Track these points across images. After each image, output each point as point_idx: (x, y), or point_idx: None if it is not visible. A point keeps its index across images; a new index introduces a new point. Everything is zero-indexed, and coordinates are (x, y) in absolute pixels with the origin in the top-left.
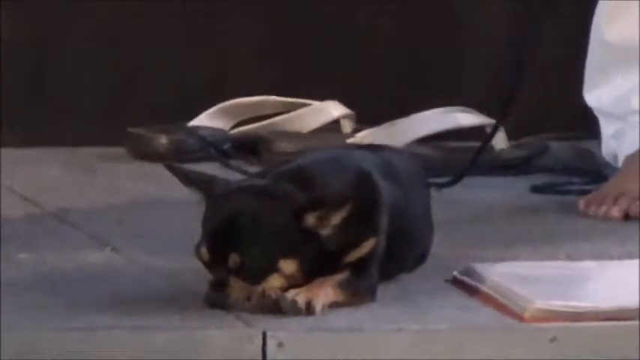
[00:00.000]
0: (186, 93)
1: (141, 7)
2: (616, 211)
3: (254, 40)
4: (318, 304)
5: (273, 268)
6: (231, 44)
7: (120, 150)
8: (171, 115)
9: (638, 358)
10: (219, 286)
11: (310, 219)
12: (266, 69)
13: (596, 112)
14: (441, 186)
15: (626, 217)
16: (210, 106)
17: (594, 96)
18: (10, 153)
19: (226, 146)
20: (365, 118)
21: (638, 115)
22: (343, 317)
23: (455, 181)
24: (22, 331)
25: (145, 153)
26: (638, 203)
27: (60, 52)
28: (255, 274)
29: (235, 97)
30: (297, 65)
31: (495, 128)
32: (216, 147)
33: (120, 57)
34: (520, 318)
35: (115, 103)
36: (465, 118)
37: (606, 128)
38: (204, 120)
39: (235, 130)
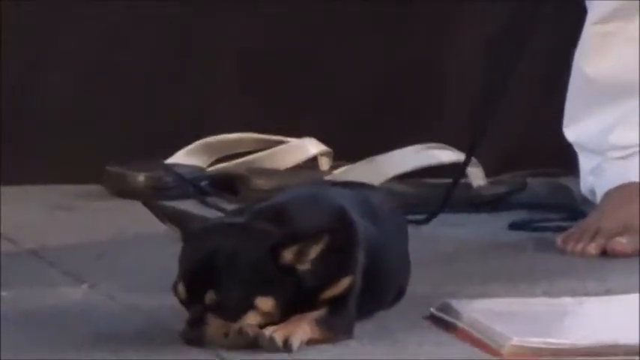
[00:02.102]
0: (163, 129)
1: (118, 44)
2: (593, 248)
3: (230, 76)
4: (296, 341)
5: (250, 306)
6: (207, 81)
7: (97, 187)
8: (149, 152)
9: None
10: (196, 323)
11: (287, 255)
12: (242, 105)
13: (575, 147)
14: (417, 223)
15: (604, 253)
16: (186, 143)
17: (574, 131)
18: None
19: (204, 183)
20: (342, 155)
21: (616, 152)
22: (320, 354)
23: (430, 217)
24: None
25: (122, 190)
26: (615, 240)
27: (36, 90)
28: (233, 312)
29: (211, 134)
30: (274, 102)
31: (466, 163)
32: (193, 184)
33: (96, 94)
34: (497, 354)
35: (92, 140)
36: (442, 154)
37: (585, 164)
38: (182, 157)
39: (213, 168)
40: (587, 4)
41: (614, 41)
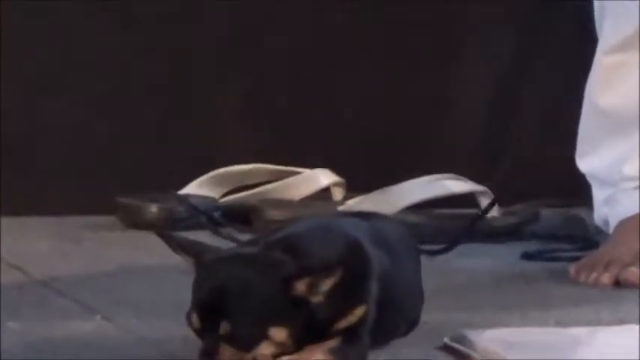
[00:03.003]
0: (176, 160)
1: (129, 74)
2: (606, 278)
3: (242, 107)
4: None
5: (264, 336)
6: (218, 112)
7: (110, 219)
8: (161, 183)
9: None
10: (209, 353)
11: (300, 287)
12: (255, 137)
13: (588, 178)
14: (433, 253)
15: (617, 283)
16: (199, 175)
17: (587, 162)
18: None
19: (217, 214)
20: (355, 186)
21: (629, 182)
22: None
23: (449, 248)
24: None
25: (135, 221)
26: (628, 270)
27: (48, 119)
28: (246, 342)
29: (224, 165)
30: (287, 133)
31: (494, 202)
32: (206, 215)
33: (109, 124)
34: None
35: (105, 171)
36: (455, 185)
37: (598, 194)
38: (195, 188)
39: (225, 199)
40: (598, 32)
41: (626, 71)
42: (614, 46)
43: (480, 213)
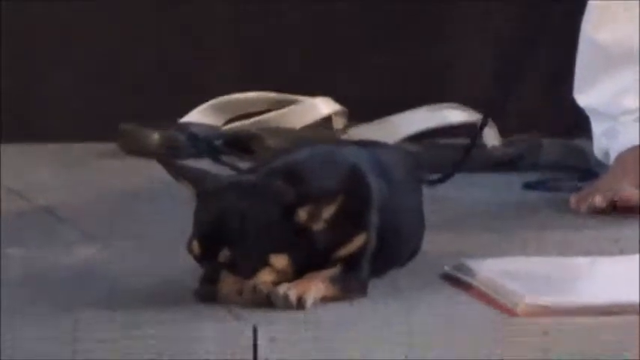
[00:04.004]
0: (178, 88)
1: (130, 4)
2: (601, 200)
3: (246, 35)
4: (310, 299)
5: (265, 263)
6: (222, 41)
7: (111, 146)
8: (163, 111)
9: (628, 352)
10: (210, 280)
11: (301, 214)
12: (258, 65)
13: (587, 112)
14: (431, 183)
15: (612, 206)
16: (200, 102)
17: (585, 97)
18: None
19: (218, 142)
20: (356, 115)
21: (629, 115)
22: (334, 312)
23: (445, 178)
24: (9, 326)
25: (136, 149)
26: (625, 190)
27: (50, 48)
28: (247, 269)
29: (226, 93)
30: (289, 61)
31: (483, 124)
32: (207, 143)
33: (112, 52)
34: (511, 313)
35: (107, 99)
36: (457, 115)
37: (597, 127)
38: (196, 116)
39: (227, 127)
40: None
41: (622, 6)
42: None
43: (471, 143)
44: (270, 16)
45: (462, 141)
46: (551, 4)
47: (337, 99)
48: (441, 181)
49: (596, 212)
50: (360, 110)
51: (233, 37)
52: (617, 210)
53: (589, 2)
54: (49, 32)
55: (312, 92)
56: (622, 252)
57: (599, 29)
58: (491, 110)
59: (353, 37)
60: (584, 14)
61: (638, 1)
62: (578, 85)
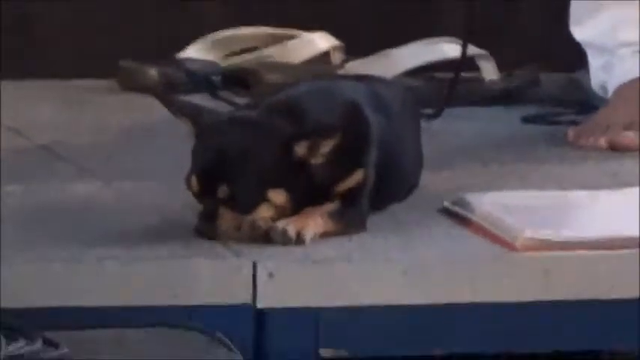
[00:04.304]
0: (175, 24)
1: None
2: (603, 141)
3: None
4: (308, 234)
5: (263, 198)
6: None
7: (110, 82)
8: (161, 47)
9: (629, 287)
10: (208, 216)
11: (299, 149)
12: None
13: (584, 45)
14: (427, 117)
15: (612, 147)
16: (199, 37)
17: (581, 30)
18: None
19: (216, 78)
20: (354, 50)
21: (627, 48)
22: (333, 247)
23: (437, 113)
24: (8, 262)
25: (135, 85)
26: (624, 134)
27: None
28: (245, 205)
29: (224, 29)
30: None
31: (463, 56)
32: (205, 79)
33: None
34: (510, 247)
35: (105, 35)
36: (454, 48)
37: (595, 60)
38: (194, 52)
39: (225, 62)
40: None
41: None
42: None
43: (453, 77)
44: None
45: (462, 75)
46: None
47: (334, 33)
48: (434, 116)
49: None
50: (358, 44)
51: None
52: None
53: None
54: None
55: (310, 27)
56: (620, 185)
57: None
58: (466, 42)
59: None
60: None
61: None
62: (574, 18)
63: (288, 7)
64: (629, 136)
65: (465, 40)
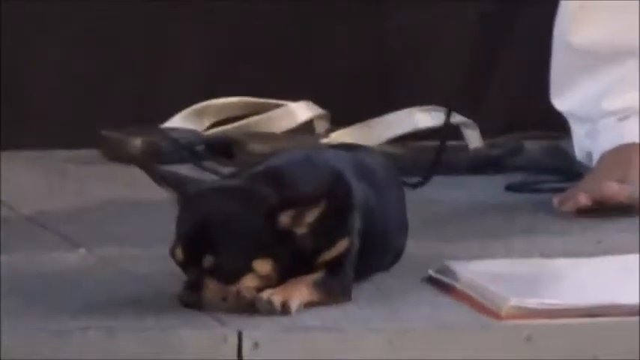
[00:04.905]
0: (160, 94)
1: (111, 12)
2: (584, 198)
3: (228, 40)
4: (294, 304)
5: (248, 269)
6: (205, 44)
7: (93, 152)
8: (145, 116)
9: (611, 354)
10: (194, 286)
11: (284, 219)
12: (239, 70)
13: (566, 116)
14: (412, 186)
15: (596, 202)
16: (183, 107)
17: (563, 101)
18: None
19: (200, 148)
20: (338, 119)
21: (609, 117)
22: (318, 317)
23: (424, 181)
24: None
25: (119, 155)
26: (607, 184)
27: (30, 55)
28: (230, 275)
29: (208, 98)
30: (271, 66)
31: (446, 125)
32: (189, 149)
33: (91, 58)
34: (496, 316)
35: (88, 105)
36: (438, 117)
37: (578, 129)
38: (178, 121)
39: (209, 132)
40: None
41: (594, 9)
42: None
43: (441, 144)
44: (257, 19)
45: (446, 143)
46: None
47: (318, 102)
48: (420, 184)
49: (581, 211)
50: (342, 114)
51: (217, 41)
52: (603, 207)
53: (559, 9)
54: (31, 39)
55: (294, 97)
56: (604, 253)
57: (574, 31)
58: (450, 111)
59: (331, 39)
60: (557, 16)
61: (609, 4)
62: (555, 90)
63: (272, 76)
64: (614, 187)
65: (449, 109)
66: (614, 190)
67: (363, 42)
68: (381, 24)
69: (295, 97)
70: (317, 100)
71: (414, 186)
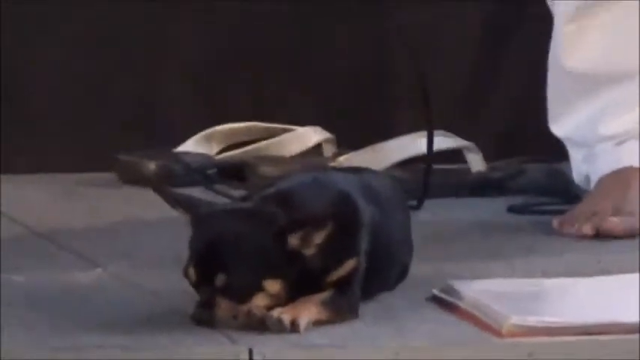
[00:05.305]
0: (173, 119)
1: (126, 34)
2: (588, 229)
3: (240, 68)
4: (303, 322)
5: (258, 288)
6: (216, 73)
7: (108, 175)
8: (159, 141)
9: None
10: (206, 305)
11: (293, 240)
12: (250, 95)
13: (563, 141)
14: (411, 208)
15: (598, 234)
16: (196, 132)
17: (560, 126)
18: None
19: (212, 171)
20: (345, 143)
21: (606, 142)
22: (326, 334)
23: (419, 203)
24: (11, 350)
25: (134, 178)
26: (608, 220)
27: (49, 80)
28: (241, 294)
29: (220, 124)
30: (281, 92)
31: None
32: (201, 172)
33: (108, 83)
34: (497, 333)
35: (105, 130)
36: (443, 141)
37: (576, 154)
38: (191, 146)
39: (221, 156)
40: (550, 7)
41: (586, 35)
42: (571, 15)
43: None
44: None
45: (448, 166)
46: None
47: (327, 127)
48: (417, 206)
49: (582, 238)
50: (349, 138)
51: (228, 69)
52: (601, 237)
53: (554, 36)
54: (46, 60)
55: (303, 121)
56: (604, 272)
57: (569, 58)
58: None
59: (339, 67)
60: (551, 45)
61: (600, 29)
62: (552, 116)
63: (282, 102)
64: (614, 222)
65: (430, 134)
66: (613, 225)
67: (367, 71)
68: (384, 54)
69: (303, 123)
70: (324, 125)
71: (412, 208)
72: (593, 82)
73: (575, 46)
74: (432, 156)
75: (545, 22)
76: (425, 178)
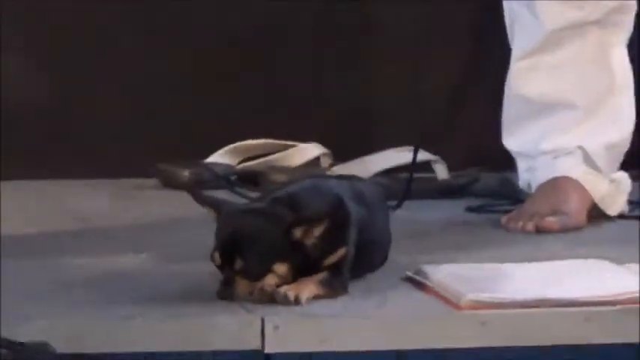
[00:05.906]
0: (203, 135)
1: (168, 54)
2: (530, 226)
3: (255, 96)
4: (304, 297)
5: (269, 270)
6: (236, 100)
7: (152, 181)
8: (191, 153)
9: (552, 339)
10: (227, 283)
11: (297, 232)
12: (264, 118)
13: (513, 154)
14: (392, 208)
15: (538, 230)
16: (221, 147)
17: (511, 141)
18: (62, 184)
19: (233, 178)
20: (339, 156)
21: (545, 156)
22: (323, 307)
23: (399, 204)
24: (73, 320)
25: (171, 183)
26: (546, 219)
27: (101, 94)
28: (255, 274)
29: (240, 140)
30: (289, 115)
31: (413, 161)
32: (225, 179)
33: (151, 104)
34: (457, 307)
35: (147, 142)
36: (417, 155)
37: (521, 164)
38: (217, 157)
39: (240, 166)
40: (511, 44)
41: (536, 71)
42: (526, 52)
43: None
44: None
45: (420, 175)
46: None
47: (324, 143)
48: (396, 207)
49: (525, 233)
50: (342, 152)
51: (246, 99)
52: (540, 232)
53: (511, 69)
54: (90, 80)
55: (306, 139)
56: (542, 259)
57: (524, 85)
58: (417, 151)
59: (333, 95)
60: (509, 72)
61: (549, 67)
62: (505, 133)
63: (290, 123)
64: (551, 220)
65: (416, 149)
66: (550, 224)
67: (356, 98)
68: (371, 85)
69: (306, 139)
70: (322, 142)
71: (393, 208)
72: (539, 108)
73: (526, 79)
74: (414, 166)
75: (502, 61)
76: (407, 185)
